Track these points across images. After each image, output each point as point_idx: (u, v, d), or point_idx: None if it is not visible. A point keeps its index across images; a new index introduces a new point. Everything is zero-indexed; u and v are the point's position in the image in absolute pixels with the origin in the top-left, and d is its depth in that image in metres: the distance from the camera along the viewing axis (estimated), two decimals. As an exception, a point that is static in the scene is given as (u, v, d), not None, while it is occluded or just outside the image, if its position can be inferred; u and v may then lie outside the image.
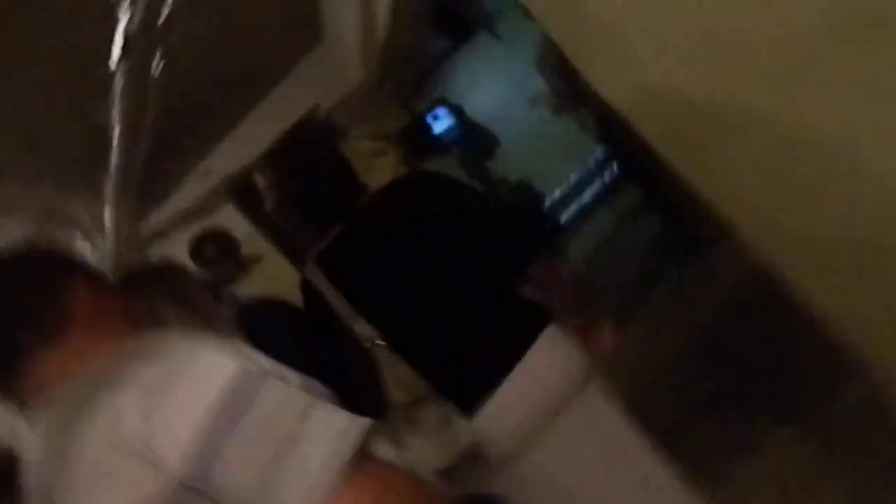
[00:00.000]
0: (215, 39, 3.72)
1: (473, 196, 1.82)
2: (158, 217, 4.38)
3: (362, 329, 1.48)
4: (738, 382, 2.66)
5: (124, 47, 2.11)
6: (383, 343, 1.45)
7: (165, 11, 2.19)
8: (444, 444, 1.47)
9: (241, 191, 4.72)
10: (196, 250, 4.50)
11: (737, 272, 2.96)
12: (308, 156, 1.76)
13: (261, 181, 1.85)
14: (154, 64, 2.52)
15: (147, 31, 2.23)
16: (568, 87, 3.95)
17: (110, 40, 2.19)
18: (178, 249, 4.45)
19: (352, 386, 1.04)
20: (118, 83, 2.24)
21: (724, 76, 0.86)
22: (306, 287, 1.60)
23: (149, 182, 3.98)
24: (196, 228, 4.46)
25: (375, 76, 4.61)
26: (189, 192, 4.42)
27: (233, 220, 4.61)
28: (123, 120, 2.63)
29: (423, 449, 1.44)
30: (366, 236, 1.60)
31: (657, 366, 3.03)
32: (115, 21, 2.12)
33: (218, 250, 4.37)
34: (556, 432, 1.47)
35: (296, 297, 1.68)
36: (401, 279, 1.56)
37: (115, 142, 2.67)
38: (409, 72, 4.89)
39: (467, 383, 1.50)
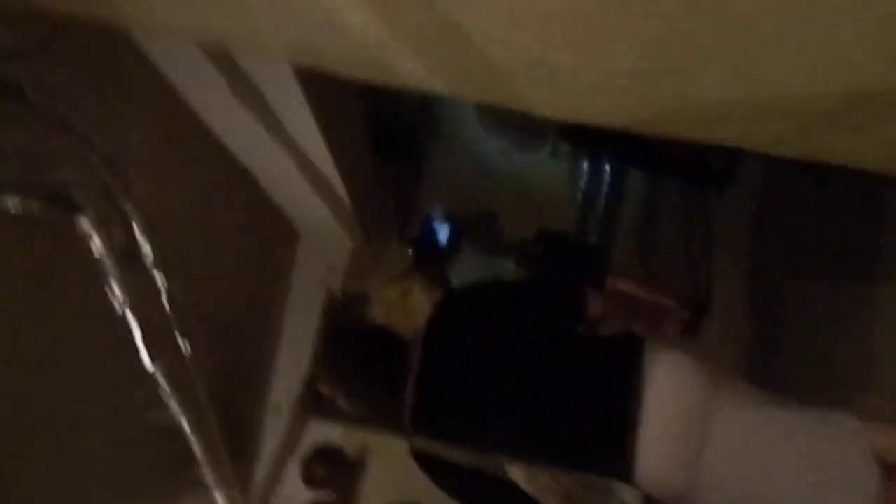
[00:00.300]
0: (217, 295, 3.91)
1: (508, 286, 1.91)
2: (261, 471, 4.40)
3: (486, 462, 1.47)
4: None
5: (147, 344, 2.20)
6: (511, 462, 1.42)
7: (163, 289, 2.29)
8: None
9: (317, 401, 4.76)
10: (308, 477, 4.51)
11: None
12: (349, 346, 1.89)
13: (324, 389, 1.96)
14: (181, 343, 2.62)
15: (161, 319, 2.34)
16: (516, 128, 4.05)
17: (134, 350, 2.29)
18: (291, 486, 4.45)
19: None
20: (161, 380, 2.31)
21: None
22: (419, 458, 1.66)
23: (234, 446, 4.03)
24: (295, 460, 4.49)
25: (362, 233, 4.76)
26: (272, 433, 4.47)
27: (325, 431, 4.63)
28: (185, 410, 2.70)
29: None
30: (439, 376, 1.59)
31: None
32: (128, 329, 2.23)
33: (326, 467, 4.39)
34: (713, 445, 1.42)
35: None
36: (490, 396, 1.53)
37: (188, 431, 2.72)
38: (386, 207, 5.04)
39: (603, 452, 1.46)
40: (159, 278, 2.22)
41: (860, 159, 1.11)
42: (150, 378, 2.48)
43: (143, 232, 2.07)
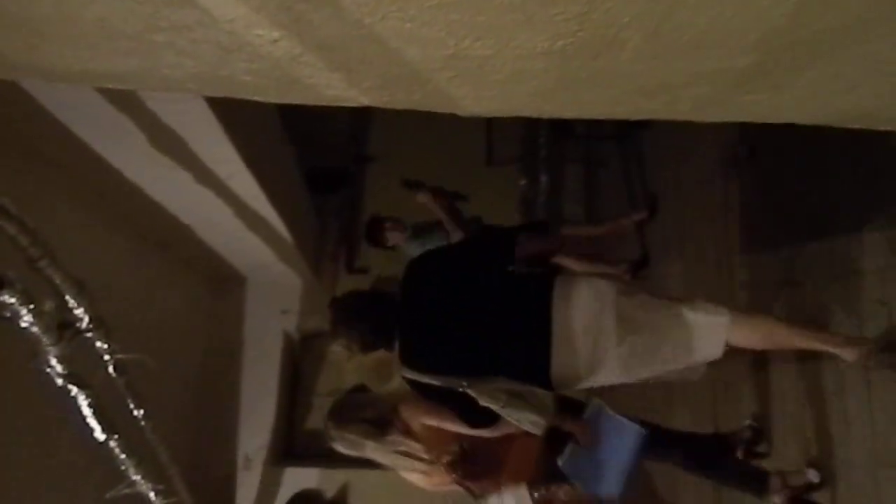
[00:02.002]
0: (167, 354, 3.76)
1: (457, 245, 2.69)
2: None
3: (451, 383, 2.02)
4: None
5: (96, 416, 2.08)
6: (466, 382, 2.01)
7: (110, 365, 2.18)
8: (544, 406, 2.12)
9: (288, 452, 4.63)
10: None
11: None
12: (351, 305, 2.31)
13: (338, 343, 2.34)
14: (135, 412, 2.49)
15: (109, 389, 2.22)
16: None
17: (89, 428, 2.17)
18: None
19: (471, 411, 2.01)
20: (114, 448, 2.18)
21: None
22: (411, 383, 2.13)
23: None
24: (277, 511, 4.35)
25: (309, 270, 4.67)
26: (246, 488, 4.32)
27: (302, 477, 4.51)
28: (149, 480, 2.55)
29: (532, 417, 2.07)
30: (412, 322, 2.13)
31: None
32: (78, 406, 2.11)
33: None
34: (604, 348, 2.05)
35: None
36: (447, 333, 2.09)
37: (155, 501, 2.58)
38: (330, 241, 4.97)
39: (530, 373, 2.04)
40: (99, 343, 2.10)
41: (783, 114, 1.13)
42: (106, 453, 2.35)
43: (76, 298, 1.96)
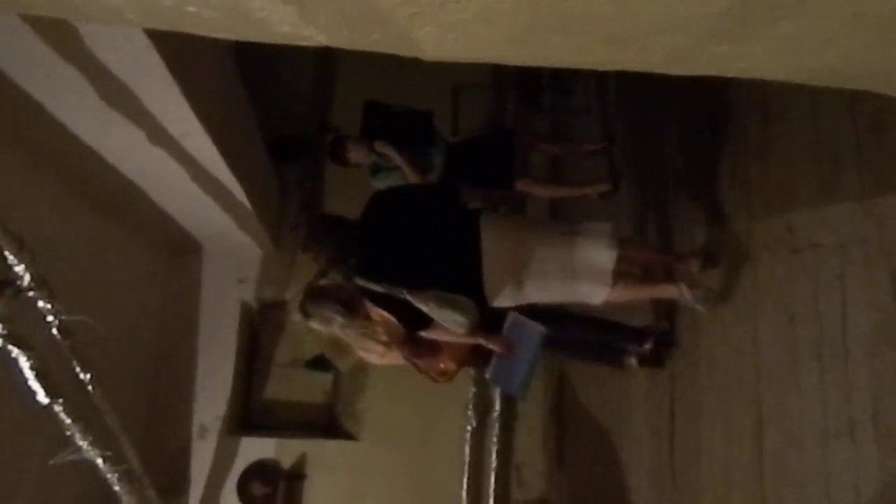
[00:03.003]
0: (118, 319, 3.64)
1: (411, 187, 3.09)
2: (197, 500, 4.17)
3: (394, 291, 2.50)
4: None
5: (39, 379, 2.00)
6: (407, 291, 2.48)
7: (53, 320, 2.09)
8: (468, 310, 2.52)
9: (245, 421, 4.56)
10: (246, 497, 4.30)
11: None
12: (322, 224, 2.99)
13: (308, 255, 3.02)
14: (82, 376, 2.40)
15: (53, 351, 2.13)
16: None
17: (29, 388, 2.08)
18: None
19: (408, 315, 2.50)
20: (59, 412, 2.10)
21: None
22: (362, 290, 2.60)
23: (165, 478, 3.79)
24: (231, 479, 4.28)
25: (269, 240, 4.57)
26: (201, 458, 4.24)
27: (258, 447, 4.44)
28: (96, 447, 2.47)
29: (455, 317, 2.51)
30: (369, 242, 2.68)
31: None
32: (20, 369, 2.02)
33: (264, 483, 4.20)
34: (523, 266, 2.65)
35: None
36: (396, 253, 2.62)
37: (104, 470, 2.50)
38: (293, 212, 4.86)
39: (467, 286, 2.55)
40: (42, 303, 2.00)
41: (755, 68, 1.10)
42: (51, 419, 2.26)
43: (15, 255, 1.86)
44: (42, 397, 2.07)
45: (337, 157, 3.96)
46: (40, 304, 2.07)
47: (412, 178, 3.57)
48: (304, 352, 4.69)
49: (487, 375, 3.15)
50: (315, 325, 2.87)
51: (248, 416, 4.56)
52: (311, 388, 4.69)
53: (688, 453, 3.12)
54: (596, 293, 2.67)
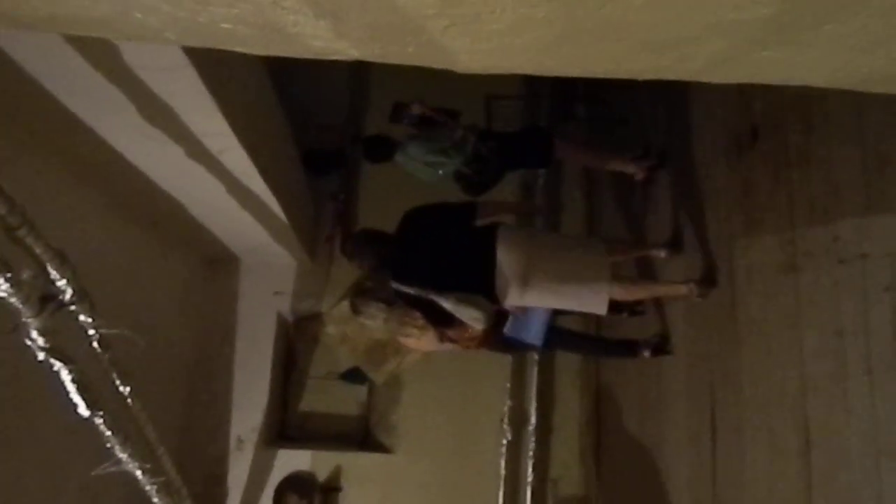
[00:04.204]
0: (157, 331, 3.69)
1: (438, 205, 3.30)
2: (233, 511, 4.20)
3: (421, 293, 3.06)
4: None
5: (80, 392, 2.02)
6: (433, 293, 3.05)
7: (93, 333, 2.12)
8: (485, 308, 3.06)
9: (281, 433, 4.58)
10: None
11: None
12: (360, 238, 3.44)
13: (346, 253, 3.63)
14: (121, 388, 2.43)
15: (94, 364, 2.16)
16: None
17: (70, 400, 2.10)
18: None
19: (434, 313, 3.09)
20: (99, 425, 2.12)
21: None
22: (398, 294, 3.19)
23: (202, 490, 3.83)
24: (268, 491, 4.30)
25: (304, 252, 4.60)
26: (238, 470, 4.27)
27: (294, 459, 4.46)
28: (136, 459, 2.49)
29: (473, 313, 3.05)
30: (402, 252, 3.19)
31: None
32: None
33: (300, 495, 4.22)
34: (531, 272, 3.10)
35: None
36: (424, 261, 3.13)
37: (143, 481, 2.52)
38: (327, 224, 4.89)
39: (482, 286, 3.07)
40: (83, 317, 2.03)
41: (799, 74, 1.06)
42: (91, 431, 2.30)
43: (58, 270, 1.89)
44: (83, 410, 2.09)
45: (375, 151, 4.07)
46: (81, 317, 2.09)
47: (454, 131, 3.79)
48: (338, 364, 4.71)
49: (506, 331, 3.53)
50: (363, 319, 3.74)
51: (284, 428, 4.59)
52: (346, 400, 4.71)
53: (730, 466, 3.04)
54: (597, 304, 3.13)
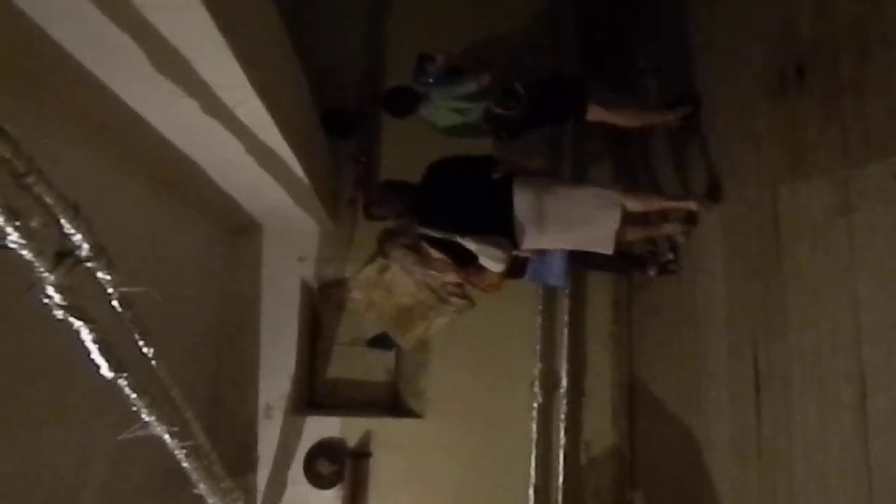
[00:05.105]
0: (179, 294, 3.63)
1: (462, 157, 3.56)
2: (265, 478, 4.17)
3: (448, 235, 3.35)
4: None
5: (102, 352, 1.95)
6: (458, 235, 3.34)
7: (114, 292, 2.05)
8: (505, 248, 3.37)
9: (310, 400, 4.53)
10: (313, 475, 4.27)
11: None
12: (386, 187, 3.72)
13: (375, 211, 3.92)
14: (145, 350, 2.36)
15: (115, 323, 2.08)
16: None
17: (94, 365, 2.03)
18: (298, 488, 4.23)
19: (459, 253, 3.41)
20: (124, 386, 2.06)
21: None
22: (422, 236, 3.50)
23: (233, 455, 3.79)
24: (298, 457, 4.26)
25: (327, 216, 4.50)
26: (268, 437, 4.24)
27: (323, 426, 4.42)
28: (163, 422, 2.43)
29: (495, 252, 3.36)
30: (427, 199, 3.47)
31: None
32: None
33: (331, 461, 4.17)
34: (546, 214, 3.39)
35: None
36: (449, 206, 3.42)
37: (171, 446, 2.46)
38: (349, 187, 4.77)
39: (502, 231, 3.35)
40: (101, 274, 1.95)
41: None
42: (117, 394, 2.23)
43: (72, 223, 1.79)
44: (106, 371, 2.02)
45: (394, 102, 4.03)
46: (99, 274, 2.01)
47: (482, 73, 3.72)
48: (365, 330, 4.65)
49: (527, 277, 3.96)
50: (391, 263, 4.18)
51: (312, 395, 4.55)
52: (373, 367, 4.65)
53: (776, 420, 2.91)
54: (606, 242, 3.43)
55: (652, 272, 4.07)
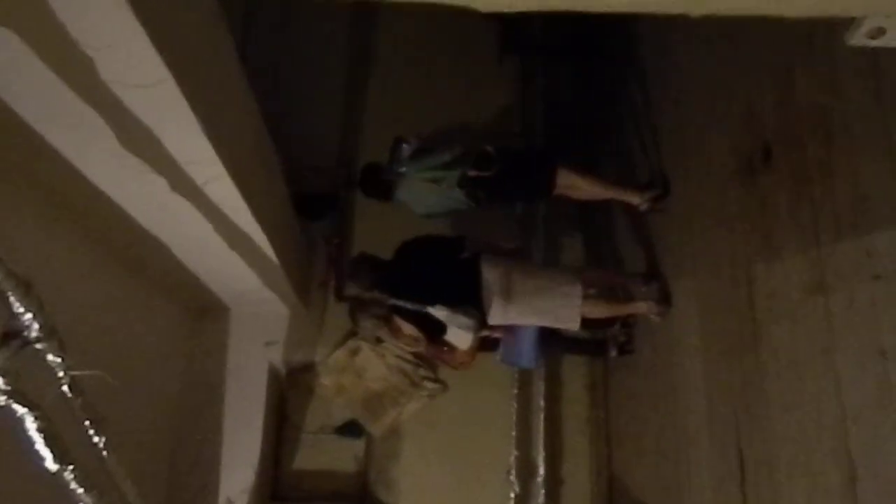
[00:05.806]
0: (136, 378, 3.44)
1: (431, 237, 3.79)
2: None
3: (418, 306, 3.50)
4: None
5: (47, 442, 1.79)
6: (429, 306, 3.46)
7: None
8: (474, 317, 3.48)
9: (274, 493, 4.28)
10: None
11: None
12: (360, 263, 3.76)
13: (348, 290, 4.21)
14: (95, 439, 2.19)
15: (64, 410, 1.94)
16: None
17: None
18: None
19: (428, 324, 3.53)
20: (70, 481, 1.89)
21: None
22: (393, 308, 3.61)
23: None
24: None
25: (297, 299, 4.39)
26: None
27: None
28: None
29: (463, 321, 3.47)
30: (397, 274, 3.63)
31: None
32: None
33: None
34: (512, 293, 3.54)
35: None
36: (417, 282, 3.56)
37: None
38: (321, 269, 4.70)
39: (470, 305, 3.48)
40: (51, 356, 1.82)
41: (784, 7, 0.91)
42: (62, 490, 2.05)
43: (22, 301, 1.68)
44: (51, 463, 1.86)
45: (371, 185, 4.08)
46: (49, 357, 1.88)
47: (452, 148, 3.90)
48: (334, 417, 4.47)
49: (499, 358, 4.03)
50: (361, 326, 4.01)
51: (276, 486, 4.29)
52: (342, 456, 4.45)
53: (763, 507, 2.79)
54: (571, 319, 3.54)
55: (613, 353, 4.17)
